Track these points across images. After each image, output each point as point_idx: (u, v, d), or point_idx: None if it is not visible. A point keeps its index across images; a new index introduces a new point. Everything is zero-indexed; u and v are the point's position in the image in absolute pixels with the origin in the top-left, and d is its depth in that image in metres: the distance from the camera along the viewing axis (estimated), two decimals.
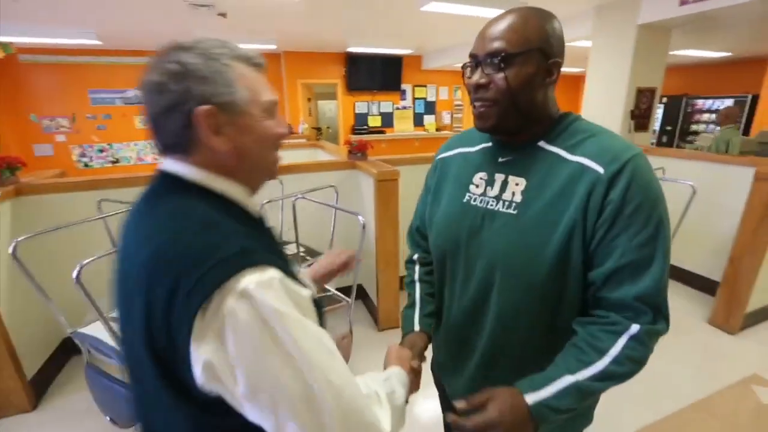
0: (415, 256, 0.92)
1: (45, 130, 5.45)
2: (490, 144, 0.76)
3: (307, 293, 0.50)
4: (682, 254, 2.86)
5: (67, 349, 2.13)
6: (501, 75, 0.63)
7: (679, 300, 2.71)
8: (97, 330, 1.39)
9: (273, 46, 5.24)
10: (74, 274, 1.06)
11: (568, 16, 3.71)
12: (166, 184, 0.54)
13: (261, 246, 0.49)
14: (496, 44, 0.63)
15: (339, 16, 3.86)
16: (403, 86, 6.84)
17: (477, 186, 0.74)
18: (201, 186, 0.53)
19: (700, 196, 2.22)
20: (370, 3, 3.37)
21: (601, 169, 0.62)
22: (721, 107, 6.70)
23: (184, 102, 0.49)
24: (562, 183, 0.64)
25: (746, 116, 6.28)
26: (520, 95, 0.64)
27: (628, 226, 0.60)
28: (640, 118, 3.27)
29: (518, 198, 0.68)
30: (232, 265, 0.44)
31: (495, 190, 0.71)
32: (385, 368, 0.67)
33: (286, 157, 4.10)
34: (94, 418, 1.69)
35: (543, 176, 0.67)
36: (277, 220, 2.07)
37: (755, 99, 6.09)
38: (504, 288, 0.69)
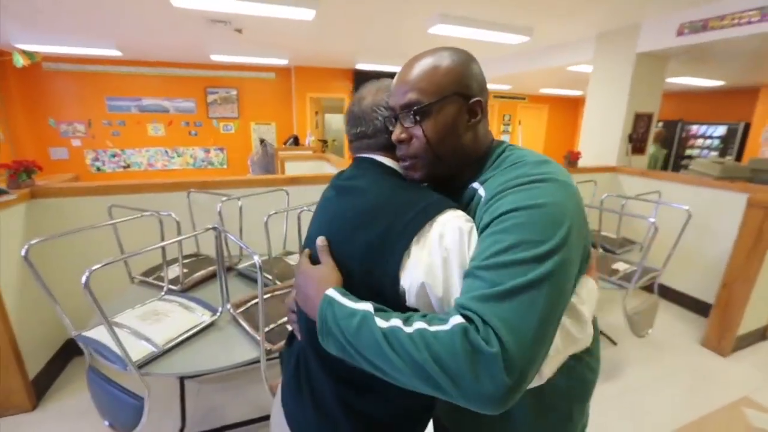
0: None
1: (62, 134, 5.62)
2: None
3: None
4: (676, 276, 2.88)
5: (69, 351, 2.18)
6: (419, 129, 0.62)
7: (672, 321, 2.72)
8: (101, 334, 1.43)
9: (285, 61, 5.40)
10: (83, 280, 1.11)
11: (571, 42, 3.81)
12: (374, 165, 0.71)
13: None
14: (409, 96, 0.61)
15: (349, 35, 3.99)
16: None
17: None
18: (396, 170, 0.70)
19: (695, 220, 2.26)
20: (379, 24, 3.50)
21: (483, 196, 0.60)
22: (715, 133, 6.79)
23: (385, 127, 0.70)
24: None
25: (738, 143, 6.37)
26: (442, 146, 0.62)
27: (484, 239, 0.53)
28: (637, 141, 3.33)
29: None
30: (439, 205, 0.59)
31: None
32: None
33: (293, 168, 4.16)
34: (92, 421, 1.73)
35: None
36: (281, 231, 2.14)
37: (747, 127, 6.18)
38: None
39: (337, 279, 0.60)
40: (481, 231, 0.56)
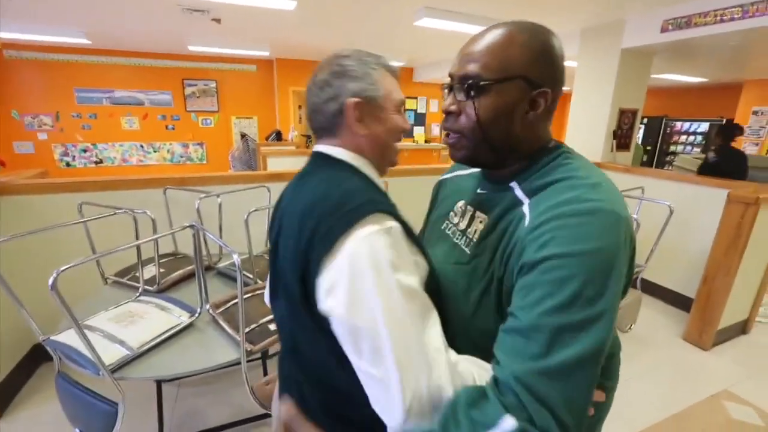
0: None
1: (27, 127, 5.33)
2: (479, 170, 0.70)
3: (412, 258, 0.56)
4: (658, 271, 2.94)
5: (37, 356, 2.05)
6: (471, 105, 0.56)
7: (655, 315, 2.78)
8: (71, 338, 1.35)
9: (266, 53, 5.26)
10: (50, 282, 1.03)
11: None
12: (319, 160, 0.67)
13: (392, 206, 0.59)
14: (471, 67, 0.55)
15: (333, 26, 3.90)
16: None
17: (455, 214, 0.72)
18: (344, 162, 0.66)
19: (677, 215, 2.30)
20: (364, 15, 3.43)
21: (527, 223, 0.51)
22: (698, 129, 6.99)
23: (339, 95, 0.64)
24: (504, 234, 0.55)
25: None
26: (492, 130, 0.56)
27: (534, 287, 0.47)
28: (622, 137, 3.37)
29: (476, 237, 0.62)
30: (362, 210, 0.53)
31: (464, 223, 0.67)
32: None
33: (275, 164, 4.07)
34: (62, 429, 1.64)
35: (496, 220, 0.59)
36: (262, 229, 2.06)
37: (730, 123, 6.38)
38: (450, 330, 0.59)
39: None
40: (523, 264, 0.49)
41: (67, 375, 1.30)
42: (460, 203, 0.72)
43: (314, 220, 0.55)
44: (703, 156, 3.75)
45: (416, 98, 7.18)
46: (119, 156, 5.93)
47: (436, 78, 6.39)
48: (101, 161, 5.84)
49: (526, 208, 0.53)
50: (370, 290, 0.50)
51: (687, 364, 2.29)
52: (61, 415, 1.42)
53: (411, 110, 7.23)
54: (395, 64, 4.57)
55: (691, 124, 7.10)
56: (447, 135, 0.63)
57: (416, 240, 0.59)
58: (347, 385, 0.56)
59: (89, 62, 5.39)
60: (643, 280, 2.95)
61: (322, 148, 0.68)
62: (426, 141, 7.44)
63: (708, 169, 3.52)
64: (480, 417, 0.44)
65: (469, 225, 0.65)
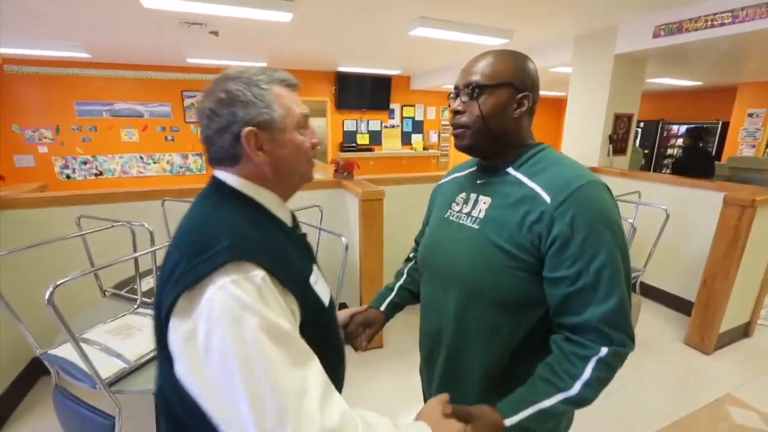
0: (411, 255, 1.07)
1: (27, 141, 5.35)
2: (474, 168, 0.86)
3: (285, 308, 0.53)
4: (657, 275, 2.94)
5: (35, 370, 2.05)
6: (474, 103, 0.73)
7: (655, 320, 2.77)
8: (69, 352, 1.34)
9: (264, 64, 5.30)
10: (46, 295, 1.03)
11: (549, 44, 3.87)
12: (214, 186, 0.65)
13: (265, 247, 0.56)
14: (473, 77, 0.73)
15: (329, 37, 3.95)
16: (392, 105, 6.96)
17: (457, 204, 0.83)
18: (237, 192, 0.63)
19: (675, 219, 2.31)
20: (359, 26, 3.47)
21: (548, 200, 0.67)
22: None
23: (231, 124, 0.59)
24: (516, 206, 0.70)
25: (717, 142, 6.59)
26: (490, 121, 0.73)
27: (581, 253, 0.64)
28: (618, 142, 3.39)
29: (482, 215, 0.75)
30: (218, 258, 0.50)
31: (468, 207, 0.79)
32: (418, 417, 0.65)
33: None
34: None
35: (503, 197, 0.74)
36: None
37: (725, 125, 6.40)
38: (461, 295, 0.75)
39: (492, 422, 0.65)
40: (557, 236, 0.65)
41: (65, 389, 1.30)
42: (461, 194, 0.83)
43: (176, 258, 0.53)
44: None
45: (414, 106, 7.23)
46: (119, 168, 5.95)
47: (433, 86, 6.43)
48: (101, 173, 5.85)
49: (536, 188, 0.69)
50: (226, 343, 0.47)
51: (689, 368, 2.27)
52: (59, 429, 1.41)
53: (409, 118, 7.28)
54: (390, 72, 4.59)
55: (686, 128, 7.13)
56: (454, 129, 0.78)
57: (292, 284, 0.57)
58: (186, 417, 0.54)
59: (89, 75, 5.44)
60: (643, 284, 2.95)
61: (218, 173, 0.65)
62: (424, 148, 7.47)
63: (679, 169, 3.92)
64: (583, 352, 0.64)
65: (473, 207, 0.78)
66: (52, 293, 1.02)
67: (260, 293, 0.50)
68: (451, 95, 0.79)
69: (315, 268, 0.72)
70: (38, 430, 1.74)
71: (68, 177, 5.68)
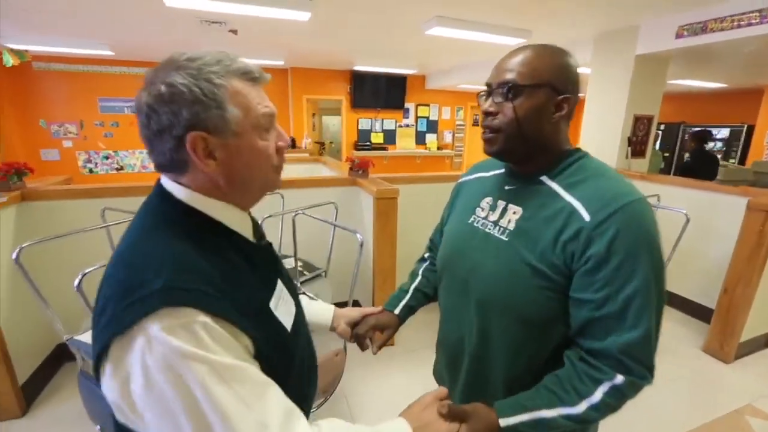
0: (426, 255, 1.02)
1: (53, 135, 5.54)
2: (502, 171, 0.79)
3: (235, 344, 0.47)
4: (676, 281, 2.88)
5: (59, 356, 2.12)
6: (509, 105, 0.66)
7: (674, 326, 2.71)
8: None
9: (281, 62, 5.37)
10: (76, 283, 1.08)
11: (568, 43, 3.82)
12: (158, 195, 0.55)
13: (211, 280, 0.48)
14: (508, 75, 0.66)
15: (346, 36, 3.97)
16: (407, 105, 6.96)
17: (482, 209, 0.78)
18: (183, 204, 0.53)
19: (695, 224, 2.26)
20: (376, 25, 3.48)
21: (587, 217, 0.61)
22: (718, 135, 6.83)
23: (172, 126, 0.49)
24: (550, 221, 0.65)
25: (742, 146, 6.39)
26: (526, 125, 0.66)
27: (612, 279, 0.59)
28: (637, 144, 3.33)
29: (512, 226, 0.70)
30: (149, 302, 0.43)
31: (495, 215, 0.74)
32: (405, 411, 0.63)
33: (289, 171, 4.15)
34: (83, 426, 1.69)
35: (536, 209, 0.68)
36: (276, 234, 2.10)
37: (751, 129, 6.20)
38: (486, 309, 0.71)
39: (488, 421, 0.63)
40: (591, 255, 0.60)
41: (89, 373, 1.35)
42: (487, 199, 0.78)
43: (108, 293, 0.46)
44: (724, 163, 3.82)
45: (428, 105, 7.22)
46: (138, 163, 6.10)
47: (448, 85, 6.41)
48: (122, 168, 6.02)
49: (575, 202, 0.64)
50: (168, 394, 0.42)
51: (707, 377, 2.22)
52: (83, 413, 1.47)
53: (424, 117, 7.27)
54: (406, 71, 4.58)
55: (710, 130, 6.94)
56: (484, 132, 0.71)
57: (242, 319, 0.49)
58: None
59: (112, 73, 5.60)
60: None
61: (164, 180, 0.55)
62: (438, 148, 7.45)
63: (685, 172, 3.97)
64: (597, 374, 0.61)
65: (501, 216, 0.73)
66: (81, 280, 1.07)
67: (199, 340, 0.43)
68: (482, 94, 0.71)
69: (279, 285, 0.63)
70: (62, 413, 1.81)
71: (91, 171, 5.86)
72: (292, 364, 0.60)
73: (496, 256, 0.70)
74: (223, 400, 0.43)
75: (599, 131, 3.46)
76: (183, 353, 0.42)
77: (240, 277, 0.54)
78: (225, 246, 0.55)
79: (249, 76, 0.54)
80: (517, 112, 0.65)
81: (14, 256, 1.28)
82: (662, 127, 7.27)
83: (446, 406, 0.62)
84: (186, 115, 0.49)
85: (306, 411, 0.69)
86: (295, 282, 0.78)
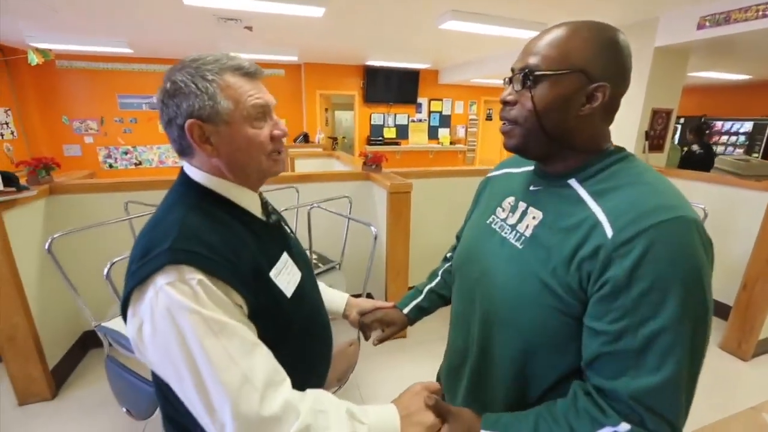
0: (449, 255, 0.98)
1: (75, 131, 5.71)
2: (532, 168, 0.70)
3: (228, 302, 0.54)
4: None
5: (85, 343, 2.22)
6: (528, 94, 0.57)
7: None
8: (120, 325, 1.46)
9: (294, 58, 5.41)
10: (105, 271, 1.13)
11: None
12: (180, 179, 0.65)
13: (213, 247, 0.56)
14: (531, 60, 0.57)
15: (360, 31, 3.98)
16: (420, 99, 6.94)
17: (503, 210, 0.70)
18: (198, 184, 0.63)
19: (714, 219, 2.21)
20: (389, 19, 3.48)
21: (609, 233, 0.50)
22: (741, 129, 6.62)
23: (176, 116, 0.59)
24: (569, 233, 0.55)
25: (766, 140, 6.19)
26: (547, 119, 0.56)
27: (633, 310, 0.49)
28: (654, 138, 3.27)
29: (528, 232, 0.61)
30: (158, 260, 0.52)
31: (514, 219, 0.66)
32: (397, 399, 0.64)
33: (303, 166, 4.19)
34: (110, 409, 1.77)
35: (556, 217, 0.59)
36: (291, 227, 2.14)
37: None
38: (489, 320, 0.65)
39: (469, 428, 0.60)
40: (609, 278, 0.50)
41: (116, 358, 1.41)
42: (510, 199, 0.70)
43: (134, 254, 0.57)
44: (747, 158, 3.78)
45: (441, 100, 7.18)
46: (156, 158, 6.24)
47: (462, 80, 6.36)
48: (140, 163, 6.17)
49: (600, 214, 0.53)
50: (169, 338, 0.51)
51: (724, 374, 2.19)
52: (109, 396, 1.54)
53: (436, 112, 7.24)
54: (419, 66, 4.56)
55: (732, 124, 6.72)
56: (503, 124, 0.63)
57: (238, 281, 0.56)
58: (165, 387, 0.58)
59: (130, 70, 5.73)
60: None
61: (185, 166, 0.66)
62: (451, 143, 7.42)
63: (686, 164, 4.14)
64: (598, 415, 0.52)
65: (520, 220, 0.64)
66: (109, 269, 1.12)
67: (195, 294, 0.52)
68: (506, 80, 0.62)
69: (285, 257, 0.69)
70: (90, 396, 1.90)
71: (111, 166, 6.03)
72: (291, 325, 0.66)
73: (507, 264, 0.62)
74: (212, 351, 0.50)
75: (615, 125, 3.38)
76: (180, 305, 0.51)
77: (242, 246, 0.61)
78: (232, 219, 0.63)
79: (242, 71, 0.62)
80: (536, 102, 0.56)
81: (46, 246, 1.35)
82: (681, 120, 7.09)
83: (433, 399, 0.61)
84: (184, 107, 0.58)
85: (315, 371, 0.75)
86: (313, 272, 0.81)
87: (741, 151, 6.53)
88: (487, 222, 0.72)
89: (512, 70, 0.60)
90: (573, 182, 0.60)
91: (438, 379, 0.91)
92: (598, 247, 0.51)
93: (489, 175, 0.84)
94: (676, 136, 7.09)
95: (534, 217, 0.62)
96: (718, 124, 6.89)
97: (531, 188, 0.67)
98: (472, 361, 0.71)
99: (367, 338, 0.92)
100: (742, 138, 6.62)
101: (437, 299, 0.93)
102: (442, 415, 0.60)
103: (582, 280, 0.53)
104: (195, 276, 0.52)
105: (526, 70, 0.56)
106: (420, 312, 0.92)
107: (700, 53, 3.34)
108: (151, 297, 0.52)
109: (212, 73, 0.59)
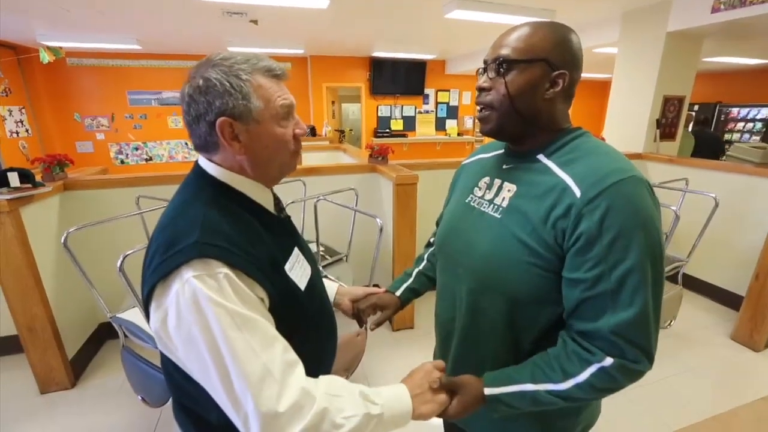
0: (432, 240, 1.02)
1: (87, 128, 5.81)
2: (502, 151, 0.79)
3: (252, 296, 0.56)
4: (705, 267, 2.79)
5: (102, 334, 2.29)
6: (501, 80, 0.65)
7: (699, 313, 2.65)
8: (134, 316, 1.51)
9: (301, 51, 5.40)
10: (118, 264, 1.16)
11: (594, 22, 3.68)
12: (196, 173, 0.66)
13: (234, 240, 0.57)
14: (503, 51, 0.66)
15: (365, 22, 3.96)
16: (427, 90, 6.89)
17: (480, 188, 0.77)
18: (216, 180, 0.64)
19: (725, 208, 2.18)
20: (395, 10, 3.45)
21: (578, 193, 0.59)
22: (758, 116, 6.44)
23: (207, 113, 0.59)
24: (542, 198, 0.64)
25: None
26: (519, 101, 0.65)
27: (605, 257, 0.57)
28: (666, 126, 3.20)
29: (505, 204, 0.69)
30: (185, 253, 0.53)
31: (491, 194, 0.73)
32: (406, 378, 0.67)
33: (310, 159, 4.21)
34: (126, 397, 1.83)
35: (529, 186, 0.67)
36: (299, 220, 2.17)
37: None
38: (476, 286, 0.71)
39: (476, 392, 0.65)
40: (582, 233, 0.58)
41: (131, 349, 1.46)
42: (485, 179, 0.77)
43: (155, 248, 0.57)
44: (763, 145, 3.67)
45: (448, 91, 7.11)
46: (166, 153, 6.33)
47: (468, 70, 6.28)
48: (151, 158, 6.26)
49: (568, 179, 0.62)
50: (194, 330, 0.52)
51: (735, 364, 2.17)
52: (125, 385, 1.59)
53: (444, 103, 7.17)
54: (425, 57, 4.54)
55: (749, 110, 6.53)
56: (479, 110, 0.70)
57: (259, 274, 0.58)
58: (180, 378, 0.60)
59: (140, 66, 5.78)
60: (688, 276, 2.82)
61: (201, 160, 0.66)
62: (459, 134, 7.36)
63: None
64: (586, 355, 0.60)
65: (496, 194, 0.72)
66: (122, 262, 1.15)
67: (221, 288, 0.53)
68: (480, 70, 0.70)
69: (296, 251, 0.72)
70: (107, 384, 1.96)
71: (122, 162, 6.13)
72: (305, 317, 0.69)
73: (489, 234, 0.69)
74: (236, 344, 0.52)
75: (626, 113, 3.35)
76: (207, 296, 0.52)
77: (259, 241, 0.63)
78: (248, 214, 0.64)
79: (272, 73, 0.64)
80: (509, 87, 0.65)
81: (63, 240, 1.39)
82: (696, 107, 6.92)
83: (437, 381, 0.65)
84: (217, 104, 0.59)
85: (323, 361, 0.78)
86: (318, 267, 0.83)
87: (758, 138, 6.36)
88: (466, 201, 0.79)
89: (485, 61, 0.69)
90: (541, 157, 0.68)
91: (434, 356, 0.96)
92: (570, 206, 0.60)
93: (463, 162, 0.92)
94: (690, 124, 6.93)
95: (509, 190, 0.70)
96: (734, 110, 6.70)
97: (504, 167, 0.75)
98: (459, 328, 0.77)
99: (361, 324, 0.94)
100: (759, 125, 6.45)
101: (426, 281, 0.97)
102: (452, 389, 0.65)
103: (557, 236, 0.61)
104: (221, 270, 0.54)
105: (500, 59, 0.65)
106: (411, 293, 0.96)
107: (714, 38, 3.25)
108: (177, 289, 0.53)
109: (245, 73, 0.60)
